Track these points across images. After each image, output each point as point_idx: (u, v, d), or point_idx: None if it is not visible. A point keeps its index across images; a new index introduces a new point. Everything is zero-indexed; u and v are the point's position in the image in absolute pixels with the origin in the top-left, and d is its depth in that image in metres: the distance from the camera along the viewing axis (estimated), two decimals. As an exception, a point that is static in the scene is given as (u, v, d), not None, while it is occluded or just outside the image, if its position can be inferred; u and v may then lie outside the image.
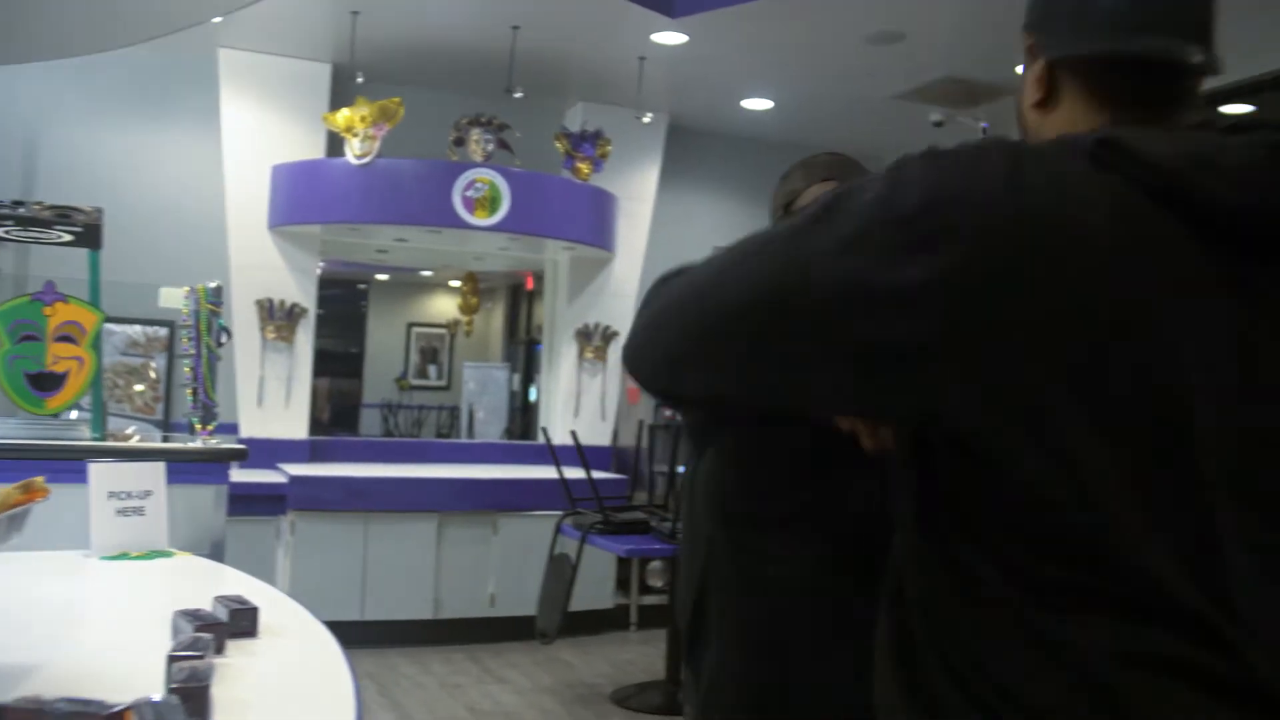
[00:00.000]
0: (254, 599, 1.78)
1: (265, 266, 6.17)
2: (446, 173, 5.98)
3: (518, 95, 5.87)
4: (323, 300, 6.47)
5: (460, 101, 6.39)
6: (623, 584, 6.30)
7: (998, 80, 6.25)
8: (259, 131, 6.18)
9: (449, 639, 5.69)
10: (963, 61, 6.04)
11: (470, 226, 5.98)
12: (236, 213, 6.14)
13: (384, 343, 9.97)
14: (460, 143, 6.13)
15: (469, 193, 5.95)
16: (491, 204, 5.97)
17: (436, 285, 9.85)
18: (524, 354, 9.18)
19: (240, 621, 1.68)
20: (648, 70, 6.18)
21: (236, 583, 2.26)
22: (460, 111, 6.22)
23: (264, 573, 5.31)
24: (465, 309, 8.69)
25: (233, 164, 6.14)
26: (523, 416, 8.68)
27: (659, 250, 7.07)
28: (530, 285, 8.89)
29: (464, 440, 8.02)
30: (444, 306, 9.80)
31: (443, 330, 10.01)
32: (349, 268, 8.78)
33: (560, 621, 4.88)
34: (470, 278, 8.52)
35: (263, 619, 1.74)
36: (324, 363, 9.21)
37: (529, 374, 8.79)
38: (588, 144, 6.42)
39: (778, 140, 7.33)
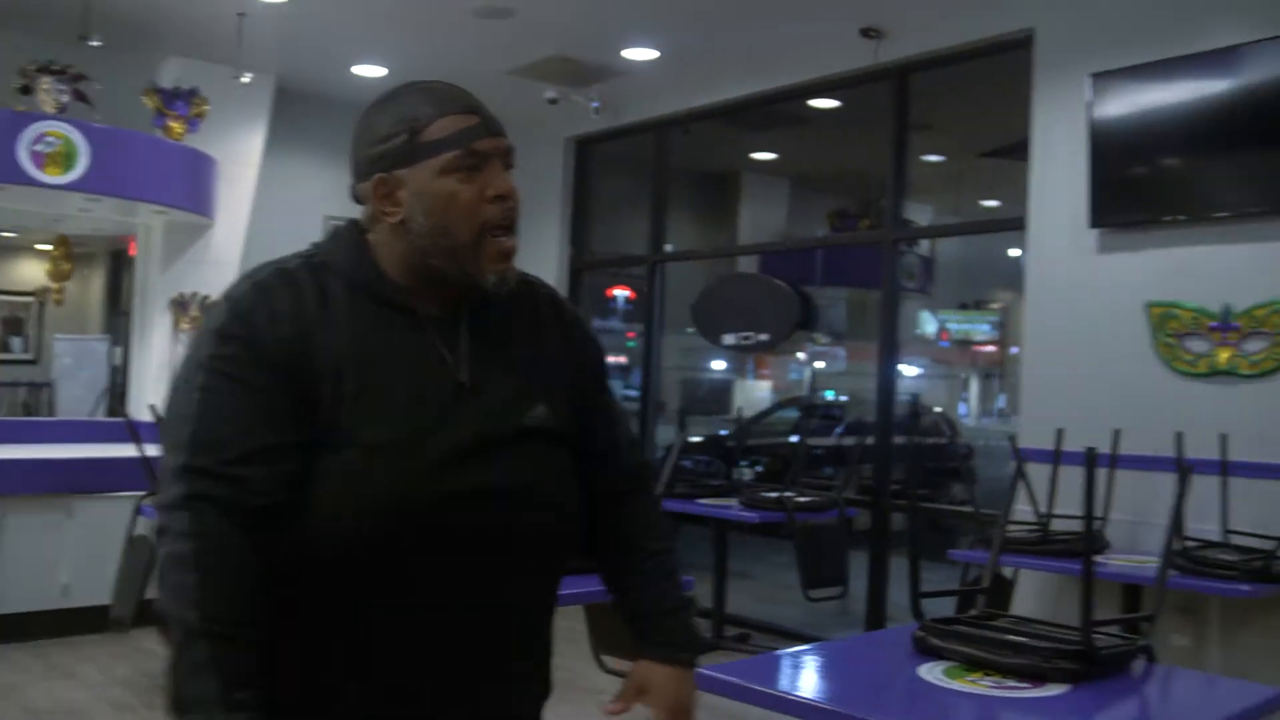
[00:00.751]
0: None
1: None
2: (11, 123, 5.39)
3: (95, 44, 5.40)
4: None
5: (29, 45, 5.77)
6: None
7: (606, 60, 6.46)
8: None
9: (10, 636, 5.17)
10: (572, 40, 6.19)
11: (40, 184, 5.44)
12: None
13: (-42, 312, 8.90)
14: (28, 91, 5.55)
15: (38, 147, 5.41)
16: (65, 160, 5.46)
17: (21, 248, 8.91)
18: (127, 325, 8.50)
19: None
20: (249, 28, 5.86)
21: None
22: (29, 56, 5.63)
23: None
24: (56, 275, 7.90)
25: None
26: (126, 392, 8.05)
27: (265, 217, 6.76)
28: (134, 251, 8.24)
29: (45, 419, 7.33)
30: (31, 272, 8.88)
31: (29, 299, 9.08)
32: (-88, 227, 7.77)
33: (136, 607, 4.57)
34: (62, 241, 7.76)
35: None
36: (-120, 334, 8.13)
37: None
38: (181, 102, 6.01)
39: (393, 109, 7.18)
